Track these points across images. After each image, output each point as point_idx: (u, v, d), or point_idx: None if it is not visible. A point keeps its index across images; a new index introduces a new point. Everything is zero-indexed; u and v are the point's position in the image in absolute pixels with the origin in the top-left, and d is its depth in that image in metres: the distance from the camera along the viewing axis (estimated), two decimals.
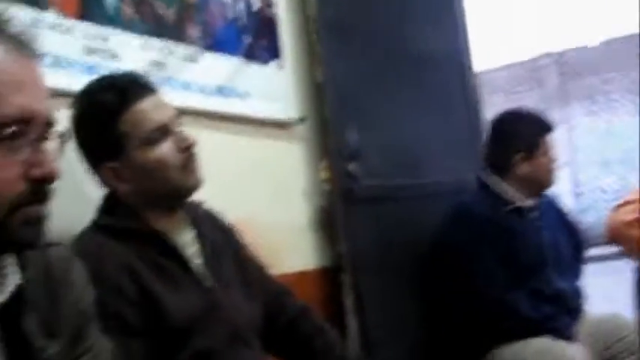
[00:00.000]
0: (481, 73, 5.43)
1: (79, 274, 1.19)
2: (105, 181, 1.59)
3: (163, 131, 1.57)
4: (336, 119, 2.59)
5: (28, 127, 0.97)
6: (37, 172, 0.97)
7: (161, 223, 1.62)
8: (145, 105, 1.57)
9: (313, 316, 1.89)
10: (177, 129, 1.61)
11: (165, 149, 1.57)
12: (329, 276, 2.54)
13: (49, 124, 1.01)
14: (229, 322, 1.63)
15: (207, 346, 1.57)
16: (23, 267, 1.06)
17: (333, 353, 1.83)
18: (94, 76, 1.66)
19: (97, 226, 1.60)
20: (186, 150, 1.60)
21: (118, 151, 1.56)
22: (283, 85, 2.50)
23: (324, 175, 2.58)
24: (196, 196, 1.68)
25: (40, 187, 0.98)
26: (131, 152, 1.56)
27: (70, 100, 1.60)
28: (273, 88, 2.44)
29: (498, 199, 2.64)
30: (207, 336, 1.57)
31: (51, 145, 1.02)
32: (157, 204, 1.61)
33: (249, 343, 1.67)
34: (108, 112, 1.55)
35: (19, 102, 0.96)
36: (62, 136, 1.04)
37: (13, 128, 0.95)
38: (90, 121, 1.57)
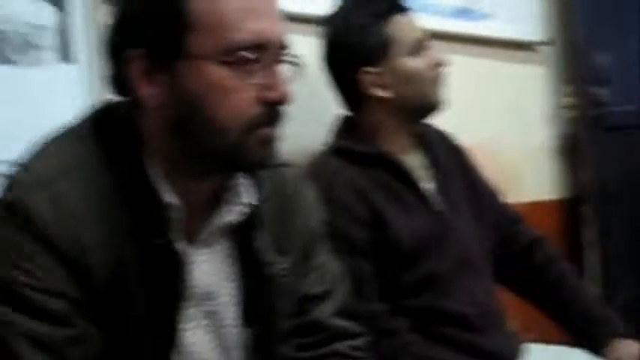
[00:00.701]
0: None
1: (309, 193, 1.23)
2: (364, 86, 1.61)
3: (421, 45, 1.62)
4: (585, 40, 2.45)
5: (263, 52, 1.00)
6: (270, 95, 1.00)
7: (394, 146, 1.64)
8: (408, 17, 1.63)
9: (548, 247, 1.82)
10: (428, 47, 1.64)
11: (424, 61, 1.61)
12: (566, 207, 2.44)
13: (282, 47, 1.03)
14: (458, 247, 1.62)
15: (435, 270, 1.58)
16: (256, 186, 1.11)
17: (567, 287, 1.76)
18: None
19: (331, 149, 1.65)
20: (438, 67, 1.62)
21: (383, 56, 1.59)
22: (529, 5, 2.39)
23: (568, 100, 2.46)
24: (433, 119, 1.69)
25: (272, 110, 1.01)
26: (395, 58, 1.60)
27: (310, 27, 1.65)
28: (519, 8, 2.34)
29: None
30: (434, 260, 1.58)
31: (284, 68, 1.05)
32: (405, 117, 1.63)
33: (479, 269, 1.66)
34: (379, 14, 1.60)
35: (254, 27, 0.99)
36: (296, 60, 1.06)
37: (249, 53, 0.99)
38: (357, 24, 1.60)
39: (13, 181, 1.00)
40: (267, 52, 1.00)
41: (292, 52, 1.05)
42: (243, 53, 0.98)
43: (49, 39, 1.41)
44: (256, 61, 0.99)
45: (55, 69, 1.42)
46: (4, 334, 0.95)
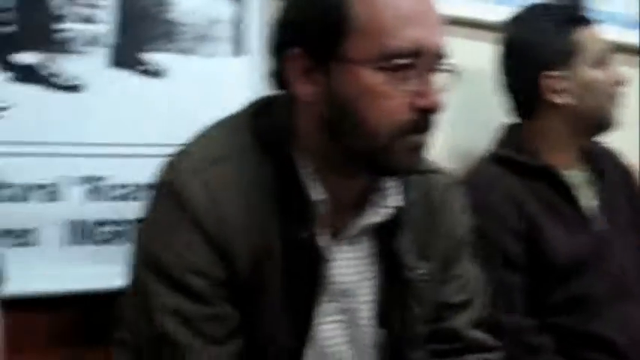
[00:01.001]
0: None
1: (457, 201, 1.23)
2: (543, 90, 1.59)
3: (604, 58, 1.59)
4: None
5: (419, 59, 1.00)
6: (422, 103, 1.01)
7: (558, 159, 1.61)
8: (593, 29, 1.61)
9: None
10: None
11: (605, 75, 1.59)
12: None
13: (439, 55, 1.03)
14: (615, 270, 1.56)
15: (588, 291, 1.53)
16: (404, 190, 1.12)
17: None
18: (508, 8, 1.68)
19: (492, 156, 1.63)
20: (618, 84, 1.60)
21: (566, 62, 1.58)
22: None
23: None
24: (604, 137, 1.66)
25: (423, 117, 1.02)
26: (578, 66, 1.58)
27: (481, 32, 1.65)
28: None
29: None
30: (589, 280, 1.53)
31: (439, 76, 1.04)
32: (577, 128, 1.60)
33: (635, 295, 1.58)
34: (564, 22, 1.58)
35: (412, 35, 1.00)
36: (453, 68, 1.06)
37: (405, 60, 0.99)
38: (543, 28, 1.59)
39: (171, 164, 1.06)
40: (423, 59, 1.01)
41: (449, 60, 1.05)
42: (399, 60, 0.99)
43: (224, 31, 1.48)
44: (411, 67, 1.00)
45: (229, 60, 1.49)
46: (147, 301, 1.02)
